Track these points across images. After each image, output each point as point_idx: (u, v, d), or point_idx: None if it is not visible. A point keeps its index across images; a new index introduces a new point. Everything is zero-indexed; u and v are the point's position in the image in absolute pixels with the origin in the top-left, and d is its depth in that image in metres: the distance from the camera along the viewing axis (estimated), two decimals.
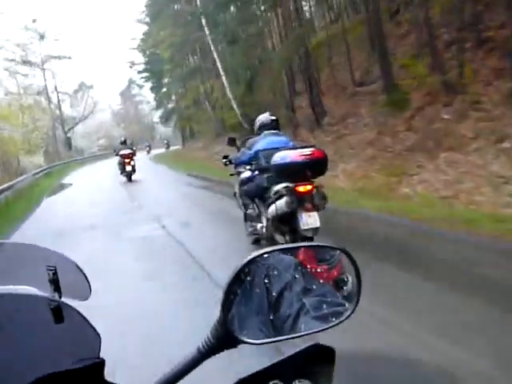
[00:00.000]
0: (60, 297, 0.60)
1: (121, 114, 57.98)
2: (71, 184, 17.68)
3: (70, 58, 42.05)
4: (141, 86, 51.43)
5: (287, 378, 0.55)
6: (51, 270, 0.61)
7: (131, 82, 55.45)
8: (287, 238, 4.20)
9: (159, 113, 42.35)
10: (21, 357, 0.55)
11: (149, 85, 41.01)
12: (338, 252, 0.63)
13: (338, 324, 0.60)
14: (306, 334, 0.58)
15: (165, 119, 40.05)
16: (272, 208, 4.17)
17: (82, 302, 0.68)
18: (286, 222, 4.11)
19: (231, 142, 5.74)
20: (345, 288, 0.61)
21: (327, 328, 0.59)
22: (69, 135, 40.84)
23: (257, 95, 17.73)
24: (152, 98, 45.38)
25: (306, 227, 3.87)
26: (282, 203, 4.01)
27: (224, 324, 0.56)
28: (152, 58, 35.91)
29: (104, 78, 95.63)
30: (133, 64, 40.30)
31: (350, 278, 0.62)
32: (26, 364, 0.55)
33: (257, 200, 4.65)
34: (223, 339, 0.56)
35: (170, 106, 37.19)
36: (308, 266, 0.61)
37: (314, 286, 0.60)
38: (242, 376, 0.58)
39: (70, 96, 43.87)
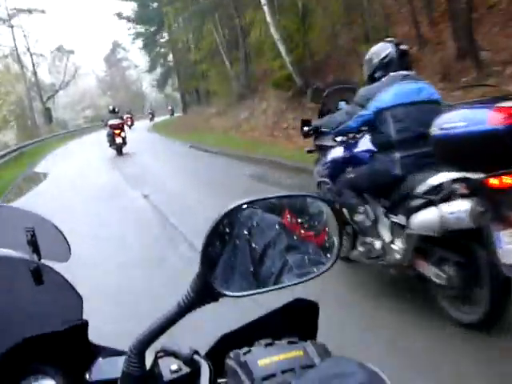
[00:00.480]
0: (39, 259, 0.60)
1: (106, 81, 54.20)
2: (46, 175, 11.74)
3: (43, 11, 35.71)
4: (127, 50, 47.68)
5: (273, 333, 0.55)
6: (29, 231, 0.60)
7: (116, 45, 51.94)
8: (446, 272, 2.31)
9: (152, 77, 39.24)
10: (3, 318, 0.54)
11: (138, 45, 35.95)
12: (324, 218, 0.62)
13: (318, 275, 0.59)
14: (287, 286, 0.57)
15: (161, 82, 36.44)
16: (428, 217, 2.28)
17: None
18: (453, 246, 2.31)
19: (316, 93, 3.75)
20: (327, 239, 0.61)
21: (307, 280, 0.58)
22: (48, 106, 35.41)
23: (314, 34, 11.31)
24: (141, 61, 41.71)
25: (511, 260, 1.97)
26: (457, 210, 2.13)
27: (204, 277, 0.54)
28: (145, 8, 31.36)
29: (86, 40, 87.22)
30: (120, 16, 33.23)
31: (334, 229, 0.61)
32: (9, 325, 0.55)
33: (370, 197, 2.81)
34: (203, 293, 0.55)
35: (168, 65, 33.20)
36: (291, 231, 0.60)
37: (298, 243, 0.59)
38: (225, 331, 0.59)
39: (46, 60, 39.03)
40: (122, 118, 14.40)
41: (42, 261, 0.60)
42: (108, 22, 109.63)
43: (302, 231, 0.61)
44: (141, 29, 33.50)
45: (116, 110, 14.46)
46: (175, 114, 34.15)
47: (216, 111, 18.88)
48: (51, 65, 40.05)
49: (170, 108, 36.03)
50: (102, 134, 15.37)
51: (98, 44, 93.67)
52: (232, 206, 0.56)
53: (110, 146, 13.66)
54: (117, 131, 13.35)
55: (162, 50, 34.18)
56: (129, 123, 28.51)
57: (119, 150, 13.53)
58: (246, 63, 16.64)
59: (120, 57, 53.83)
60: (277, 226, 0.59)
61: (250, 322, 0.57)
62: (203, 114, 21.09)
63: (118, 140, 13.37)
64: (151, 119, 34.52)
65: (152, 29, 32.52)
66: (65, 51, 39.61)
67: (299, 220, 0.62)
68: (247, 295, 0.56)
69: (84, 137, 27.54)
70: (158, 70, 36.26)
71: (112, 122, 13.55)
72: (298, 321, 0.61)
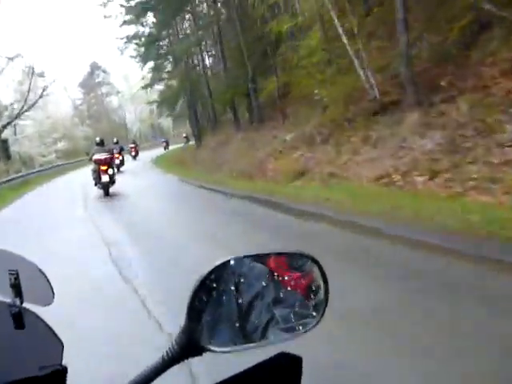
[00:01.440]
0: (21, 302, 0.59)
1: (83, 109, 48.58)
2: None
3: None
4: (107, 73, 42.20)
5: None
6: (13, 274, 0.60)
7: (95, 66, 46.58)
8: None
9: (140, 100, 35.04)
10: None
11: (128, 53, 27.55)
12: (310, 260, 0.64)
13: (303, 334, 0.61)
14: (273, 344, 0.59)
15: (164, 103, 27.85)
16: None
17: None
18: None
19: None
20: (315, 296, 0.62)
21: (293, 338, 0.60)
22: (4, 137, 26.35)
23: None
24: (123, 86, 38.48)
25: None
26: None
27: (189, 331, 0.55)
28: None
29: (59, 62, 73.91)
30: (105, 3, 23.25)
31: (322, 287, 0.63)
32: None
33: None
34: (188, 347, 0.56)
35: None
36: (278, 275, 0.62)
37: (285, 296, 0.61)
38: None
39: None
40: (110, 151, 12.27)
41: (25, 304, 0.59)
42: (85, 43, 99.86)
43: (290, 274, 0.63)
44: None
45: (104, 142, 12.37)
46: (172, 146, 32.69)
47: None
48: (16, 87, 32.47)
49: (184, 136, 33.15)
50: (83, 175, 13.15)
51: (73, 67, 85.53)
52: (219, 261, 0.58)
53: (96, 184, 11.61)
54: (103, 167, 11.19)
55: (167, 61, 26.79)
56: (133, 153, 26.42)
57: (106, 189, 11.39)
58: None
59: (99, 80, 48.87)
60: (265, 277, 0.61)
61: (234, 375, 0.58)
62: (237, 146, 14.76)
63: (105, 178, 11.22)
64: (165, 147, 33.10)
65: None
66: (33, 71, 29.98)
67: (286, 262, 0.64)
68: (232, 351, 0.57)
69: (56, 180, 20.55)
70: (156, 88, 31.57)
71: (98, 156, 11.45)
72: (281, 376, 0.61)
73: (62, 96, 41.19)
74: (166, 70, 28.01)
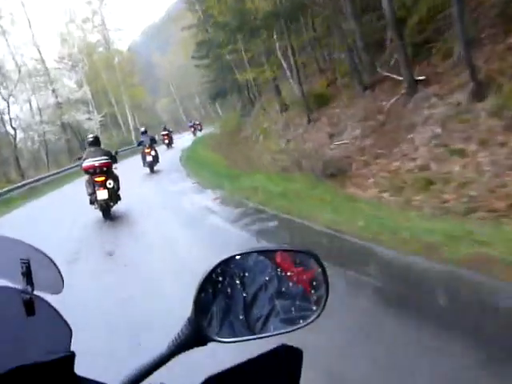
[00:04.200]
0: (32, 290, 0.61)
1: None
2: None
3: None
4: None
5: (255, 379, 0.57)
6: (24, 262, 0.62)
7: None
8: None
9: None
10: None
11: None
12: (313, 257, 0.66)
13: (303, 326, 0.63)
14: (274, 335, 0.61)
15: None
16: None
17: None
18: None
19: None
20: (315, 292, 0.64)
21: (293, 330, 0.62)
22: None
23: None
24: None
25: None
26: None
27: (194, 321, 0.58)
28: None
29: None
30: None
31: (323, 283, 0.65)
32: None
33: None
34: (193, 336, 0.58)
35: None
36: (282, 269, 0.64)
37: (287, 289, 0.63)
38: (210, 374, 0.60)
39: None
40: (108, 153, 7.88)
41: (35, 292, 0.61)
42: None
43: (294, 269, 0.64)
44: None
45: (99, 139, 8.18)
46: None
47: None
48: None
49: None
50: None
51: None
52: (226, 257, 0.60)
53: (91, 202, 7.65)
54: (99, 178, 7.40)
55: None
56: (166, 141, 22.94)
57: (105, 211, 7.54)
58: None
59: None
60: (269, 270, 0.63)
61: (234, 365, 0.59)
62: None
63: (102, 194, 7.34)
64: (194, 133, 30.85)
65: None
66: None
67: (290, 258, 0.66)
68: (236, 341, 0.60)
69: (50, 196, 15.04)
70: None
71: (89, 162, 7.50)
72: (281, 368, 0.63)
73: None
74: None
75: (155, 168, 14.32)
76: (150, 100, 53.58)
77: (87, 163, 7.54)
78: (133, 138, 34.99)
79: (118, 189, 7.98)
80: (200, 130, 33.79)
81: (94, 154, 7.65)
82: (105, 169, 7.54)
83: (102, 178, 7.41)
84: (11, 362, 0.54)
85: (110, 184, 7.44)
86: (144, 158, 14.26)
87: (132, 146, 25.47)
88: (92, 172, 7.51)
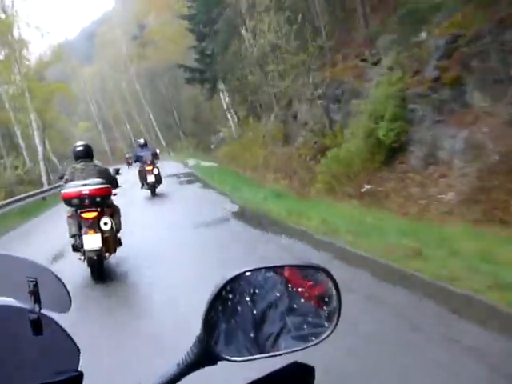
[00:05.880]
0: (40, 309, 0.60)
1: None
2: None
3: None
4: None
5: None
6: (32, 281, 0.61)
7: None
8: None
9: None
10: None
11: None
12: (323, 272, 0.65)
13: (316, 344, 0.61)
14: (286, 353, 0.59)
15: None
16: None
17: None
18: None
19: None
20: (327, 307, 0.63)
21: (306, 348, 0.60)
22: None
23: None
24: None
25: None
26: None
27: (204, 340, 0.57)
28: None
29: None
30: None
31: (334, 298, 0.63)
32: (3, 375, 0.55)
33: None
34: (203, 355, 0.57)
35: None
36: (292, 285, 0.63)
37: (298, 305, 0.61)
38: None
39: None
40: (105, 172, 5.38)
41: (43, 311, 0.60)
42: None
43: (304, 284, 0.64)
44: None
45: (91, 149, 5.41)
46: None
47: None
48: None
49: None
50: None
51: None
52: (235, 273, 0.60)
53: (74, 248, 5.09)
54: (88, 215, 4.85)
55: None
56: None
57: (96, 267, 4.88)
58: None
59: None
60: (279, 287, 0.62)
61: (250, 383, 0.58)
62: None
63: (91, 243, 4.76)
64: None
65: None
66: None
67: (300, 274, 0.65)
68: (246, 360, 0.58)
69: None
70: None
71: (70, 188, 4.90)
72: None
73: None
74: None
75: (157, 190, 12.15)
76: (67, 122, 39.82)
77: (70, 189, 4.85)
78: (42, 173, 20.35)
79: (119, 230, 5.24)
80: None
81: (83, 174, 5.06)
82: (98, 199, 4.81)
83: (94, 215, 4.78)
84: (19, 383, 0.53)
85: (105, 224, 4.81)
86: (144, 178, 11.79)
87: (44, 189, 17.07)
88: (78, 204, 4.78)
